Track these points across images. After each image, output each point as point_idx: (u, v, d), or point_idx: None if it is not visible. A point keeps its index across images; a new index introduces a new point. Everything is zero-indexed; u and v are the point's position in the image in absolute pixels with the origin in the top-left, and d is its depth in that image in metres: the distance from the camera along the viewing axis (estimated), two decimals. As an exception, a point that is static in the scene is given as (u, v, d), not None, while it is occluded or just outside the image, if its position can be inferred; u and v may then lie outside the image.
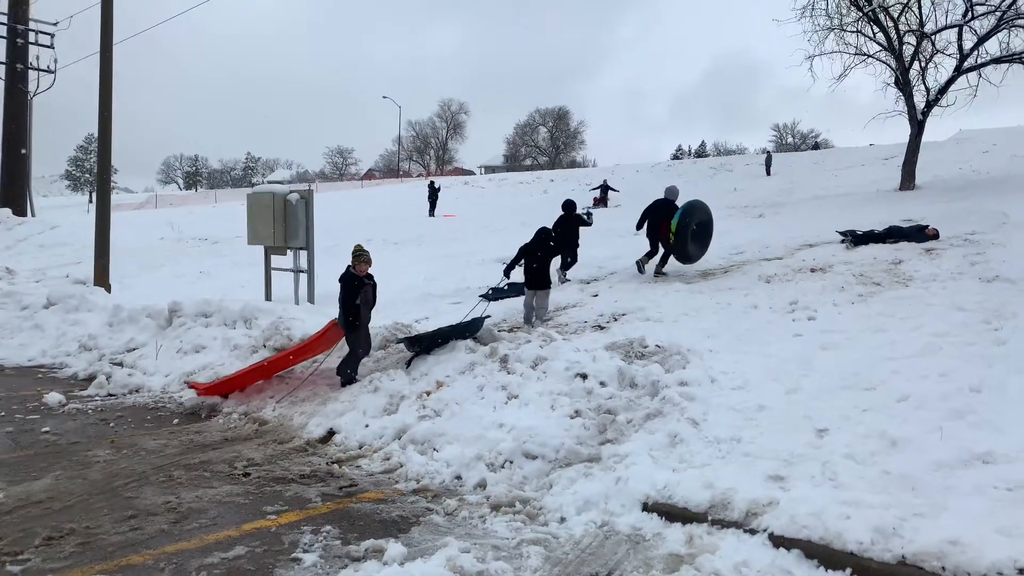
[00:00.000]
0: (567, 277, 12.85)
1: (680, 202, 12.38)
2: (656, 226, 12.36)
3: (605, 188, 32.34)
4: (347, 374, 7.86)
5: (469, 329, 8.24)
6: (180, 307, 10.59)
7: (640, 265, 12.57)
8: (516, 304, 11.43)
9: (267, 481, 5.76)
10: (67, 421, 7.53)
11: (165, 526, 4.87)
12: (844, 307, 8.86)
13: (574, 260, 13.02)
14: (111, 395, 8.68)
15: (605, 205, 30.41)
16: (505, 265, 10.30)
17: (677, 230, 11.77)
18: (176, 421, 7.64)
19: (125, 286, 14.81)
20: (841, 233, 12.76)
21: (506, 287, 11.21)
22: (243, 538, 4.68)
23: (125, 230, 23.03)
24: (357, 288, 7.82)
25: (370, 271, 8.06)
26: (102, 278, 13.72)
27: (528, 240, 10.28)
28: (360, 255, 7.96)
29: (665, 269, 12.45)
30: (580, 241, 13.05)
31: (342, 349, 8.15)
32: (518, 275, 10.54)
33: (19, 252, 22.55)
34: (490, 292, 11.34)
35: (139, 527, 4.84)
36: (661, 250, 12.44)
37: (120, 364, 9.69)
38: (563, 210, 12.99)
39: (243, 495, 5.46)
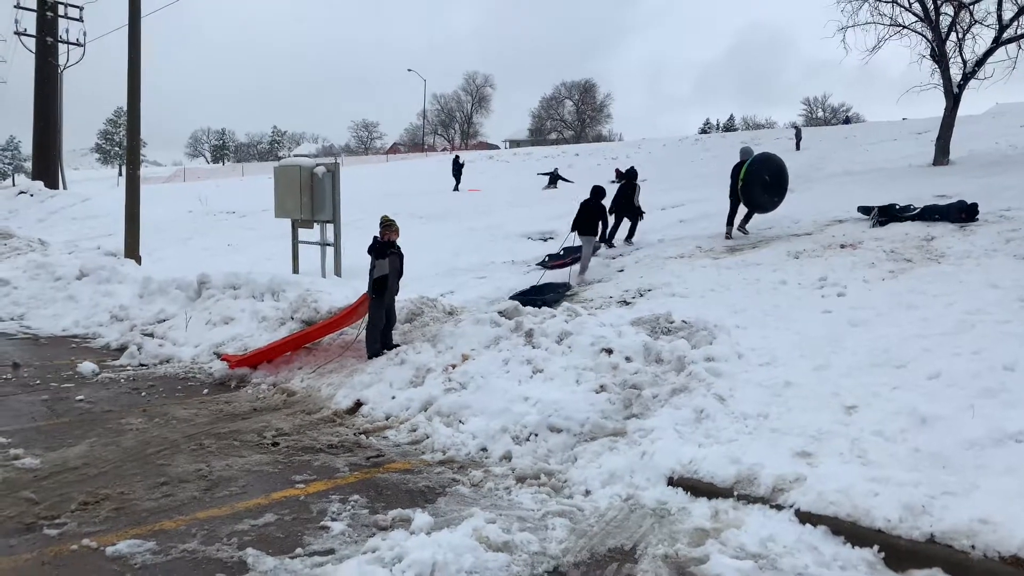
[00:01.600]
0: (632, 243, 13.61)
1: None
2: (735, 187, 12.93)
3: (555, 177, 30.32)
4: (374, 348, 7.94)
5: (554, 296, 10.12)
6: (209, 279, 10.71)
7: (729, 230, 12.95)
8: (540, 279, 11.42)
9: (295, 451, 5.84)
10: (100, 390, 7.67)
11: (196, 493, 4.96)
12: (874, 283, 8.74)
13: (633, 225, 13.82)
14: (142, 365, 8.83)
15: (555, 187, 28.76)
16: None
17: (745, 177, 12.48)
18: (206, 391, 7.76)
19: (155, 258, 14.99)
20: (862, 210, 12.47)
21: (562, 252, 12.54)
22: (272, 506, 4.76)
23: (154, 203, 23.27)
24: (384, 256, 7.97)
25: (398, 242, 8.17)
26: (132, 250, 13.91)
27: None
28: (389, 224, 8.17)
29: (742, 229, 12.96)
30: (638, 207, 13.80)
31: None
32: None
33: (51, 224, 22.92)
34: (546, 259, 12.70)
35: (171, 494, 4.94)
36: (743, 209, 13.01)
37: (151, 335, 9.85)
38: (626, 178, 14.23)
39: (272, 464, 5.55)
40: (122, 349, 9.37)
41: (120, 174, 48.14)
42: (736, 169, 12.93)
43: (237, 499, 4.88)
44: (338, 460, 5.67)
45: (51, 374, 8.18)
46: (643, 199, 14.08)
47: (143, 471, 5.34)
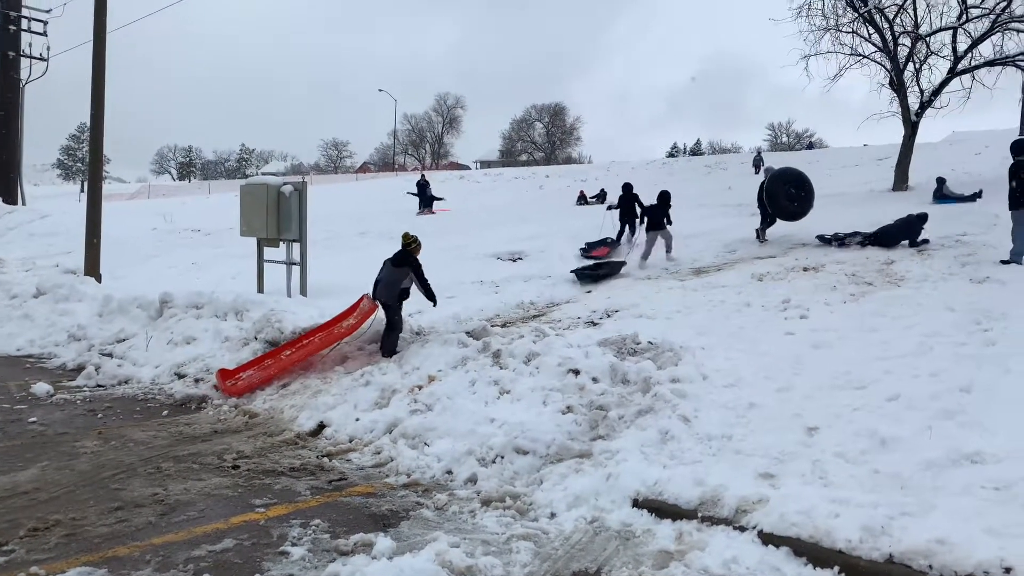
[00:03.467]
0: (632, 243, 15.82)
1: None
2: (760, 200, 14.49)
3: (431, 199, 29.04)
4: (392, 350, 8.31)
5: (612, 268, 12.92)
6: (171, 298, 10.53)
7: (759, 234, 14.57)
8: (510, 298, 11.42)
9: (256, 474, 5.73)
10: (55, 412, 7.48)
11: (152, 518, 4.84)
12: (836, 306, 8.88)
13: (632, 232, 16.28)
14: (100, 386, 8.63)
15: (432, 211, 28.09)
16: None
17: (768, 189, 14.06)
18: (165, 413, 7.60)
19: (116, 276, 14.69)
20: (820, 238, 13.25)
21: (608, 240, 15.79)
22: (231, 531, 4.66)
23: (117, 220, 22.88)
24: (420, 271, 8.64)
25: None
26: (93, 268, 13.63)
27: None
28: (417, 243, 8.82)
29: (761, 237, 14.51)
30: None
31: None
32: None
33: (8, 241, 22.39)
34: (586, 246, 15.55)
35: (126, 519, 4.81)
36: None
37: (110, 355, 9.64)
38: (622, 190, 16.90)
39: (232, 488, 5.43)
40: (79, 369, 9.14)
41: (82, 190, 47.22)
42: (762, 185, 14.51)
43: (195, 524, 4.77)
44: (300, 483, 5.57)
45: (3, 395, 7.96)
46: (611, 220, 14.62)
47: (97, 496, 5.20)
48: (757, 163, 38.45)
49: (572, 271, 12.96)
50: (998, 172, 15.59)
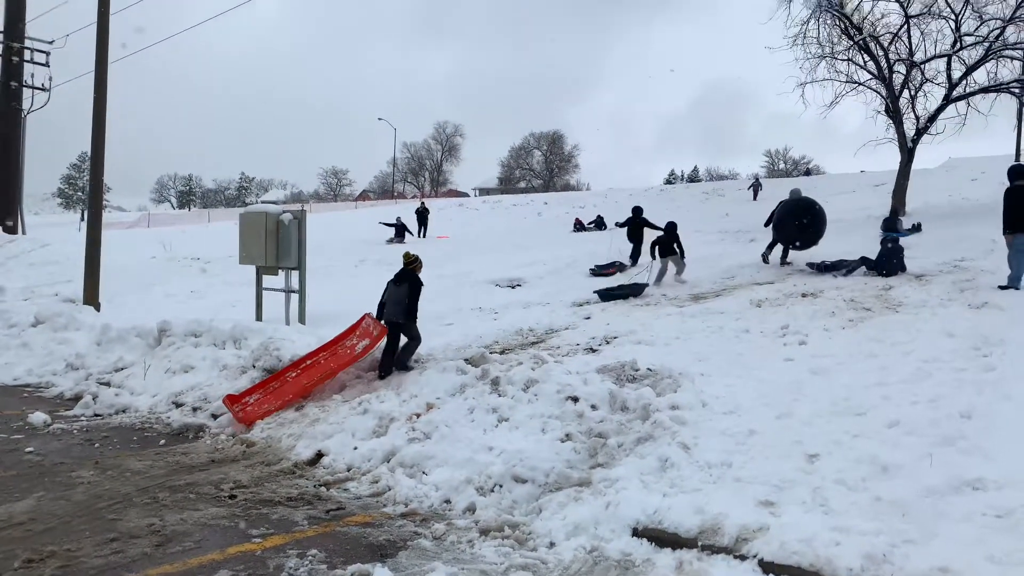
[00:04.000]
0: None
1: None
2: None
3: (402, 228, 28.82)
4: (407, 363, 8.55)
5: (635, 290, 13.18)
6: (169, 326, 10.52)
7: (780, 260, 14.85)
8: (509, 325, 11.41)
9: (253, 504, 5.69)
10: (52, 441, 7.44)
11: (148, 549, 4.80)
12: (835, 332, 8.87)
13: (638, 254, 17.09)
14: (97, 415, 8.59)
15: (403, 241, 27.74)
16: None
17: (778, 216, 14.54)
18: (163, 442, 7.56)
19: (115, 305, 14.69)
20: (809, 265, 13.55)
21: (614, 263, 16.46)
22: (227, 562, 4.62)
23: (117, 249, 22.93)
24: (420, 289, 8.90)
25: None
26: (92, 297, 13.64)
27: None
28: (418, 262, 9.13)
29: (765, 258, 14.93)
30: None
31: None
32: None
33: (9, 270, 22.41)
34: (596, 268, 16.44)
35: (121, 550, 4.77)
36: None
37: (107, 384, 9.61)
38: (632, 213, 17.96)
39: (229, 518, 5.39)
40: (77, 399, 9.11)
41: (82, 219, 47.41)
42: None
43: (191, 555, 4.73)
44: (297, 513, 5.53)
45: (0, 425, 7.91)
46: (611, 247, 14.73)
47: (92, 526, 5.16)
48: (755, 189, 38.69)
49: (596, 291, 13.38)
50: (994, 197, 15.71)
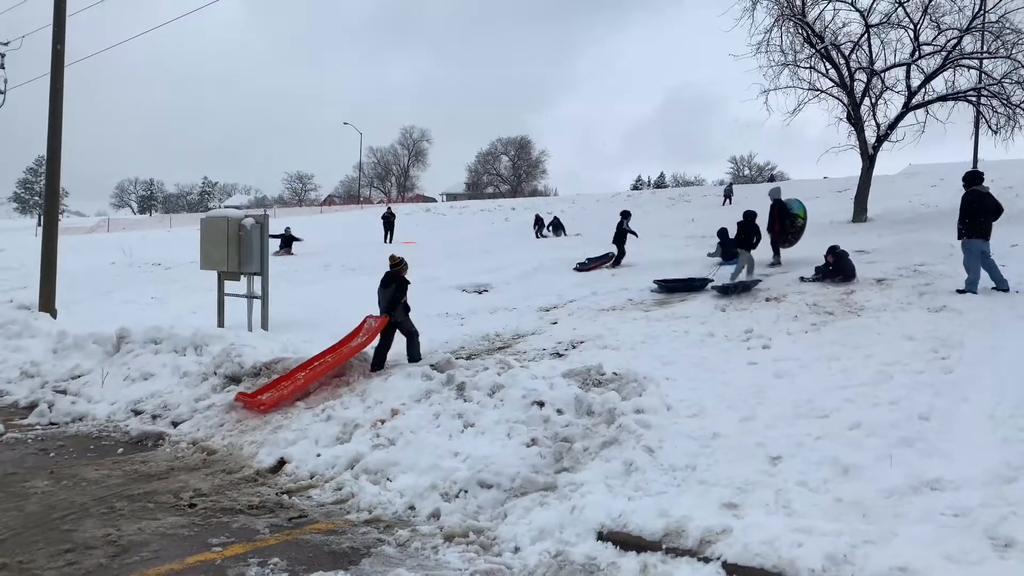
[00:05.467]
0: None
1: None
2: (771, 226, 15.12)
3: (289, 238, 26.95)
4: (417, 356, 8.88)
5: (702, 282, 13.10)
6: (128, 333, 10.30)
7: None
8: (476, 330, 11.37)
9: (214, 512, 5.58)
10: (5, 451, 7.22)
11: (104, 560, 4.68)
12: (798, 336, 8.98)
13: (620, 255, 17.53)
14: (53, 424, 8.38)
15: (291, 252, 26.33)
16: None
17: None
18: (120, 451, 7.38)
19: (72, 312, 14.36)
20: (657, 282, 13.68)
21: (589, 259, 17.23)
22: (186, 571, 4.52)
23: (75, 254, 22.50)
24: (406, 288, 9.14)
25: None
26: (48, 303, 13.32)
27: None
28: (403, 263, 9.30)
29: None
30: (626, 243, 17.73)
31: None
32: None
33: (-38, 276, 21.82)
34: (586, 261, 17.21)
35: (76, 561, 4.65)
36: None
37: (64, 392, 9.37)
38: (620, 216, 18.25)
39: (188, 527, 5.28)
40: (32, 407, 8.85)
41: (39, 223, 46.27)
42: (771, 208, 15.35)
43: (148, 565, 4.62)
44: (259, 521, 5.43)
45: (-49, 434, 7.68)
46: (577, 252, 14.69)
47: (46, 537, 5.02)
48: (728, 193, 39.31)
49: (655, 281, 13.53)
50: (953, 203, 16.09)
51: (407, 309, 9.17)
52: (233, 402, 8.05)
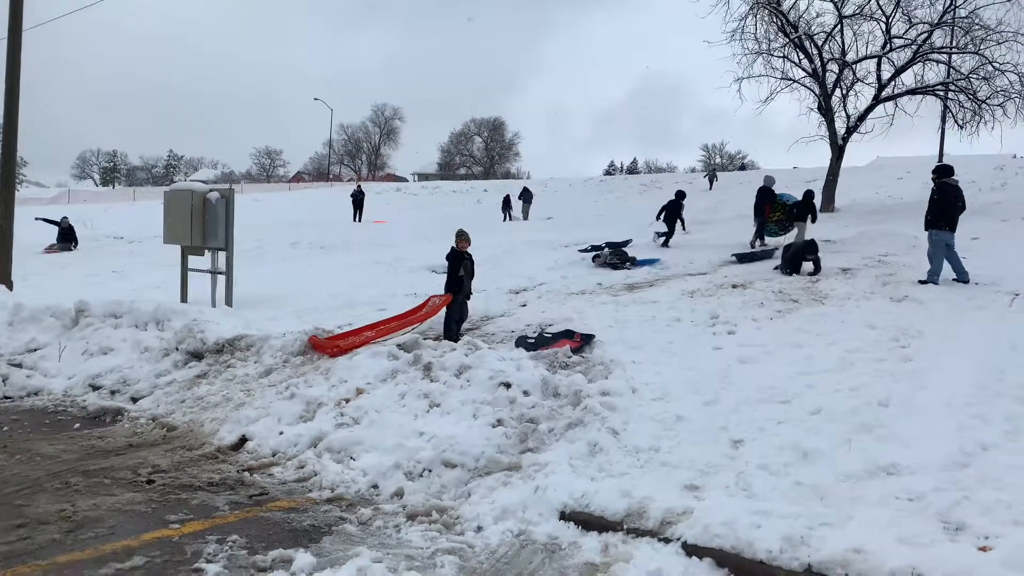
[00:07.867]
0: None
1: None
2: (760, 210, 17.06)
3: (68, 231, 23.21)
4: (449, 335, 9.22)
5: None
6: (87, 307, 10.08)
7: (752, 244, 16.56)
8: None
9: (172, 489, 5.50)
10: (-44, 424, 7.05)
11: (57, 535, 4.58)
12: (763, 322, 9.08)
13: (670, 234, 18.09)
14: (7, 398, 8.18)
15: (70, 248, 23.94)
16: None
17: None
18: (77, 426, 7.23)
19: (30, 284, 14.03)
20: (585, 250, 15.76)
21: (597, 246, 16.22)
22: (142, 548, 4.44)
23: (33, 225, 21.92)
24: (459, 262, 9.51)
25: (469, 250, 9.88)
26: (3, 275, 12.97)
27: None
28: (462, 235, 9.76)
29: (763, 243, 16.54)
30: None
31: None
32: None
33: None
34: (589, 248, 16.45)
35: (28, 536, 4.54)
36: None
37: (19, 365, 9.14)
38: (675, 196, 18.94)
39: (145, 503, 5.19)
40: (-15, 380, 8.64)
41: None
42: (759, 192, 17.37)
43: (103, 541, 4.53)
44: (218, 498, 5.36)
45: (-100, 407, 7.47)
46: (548, 236, 14.87)
47: (-2, 512, 4.90)
48: (711, 178, 39.74)
49: (734, 254, 14.68)
50: (919, 196, 16.42)
51: (457, 287, 9.54)
52: (305, 344, 8.25)
